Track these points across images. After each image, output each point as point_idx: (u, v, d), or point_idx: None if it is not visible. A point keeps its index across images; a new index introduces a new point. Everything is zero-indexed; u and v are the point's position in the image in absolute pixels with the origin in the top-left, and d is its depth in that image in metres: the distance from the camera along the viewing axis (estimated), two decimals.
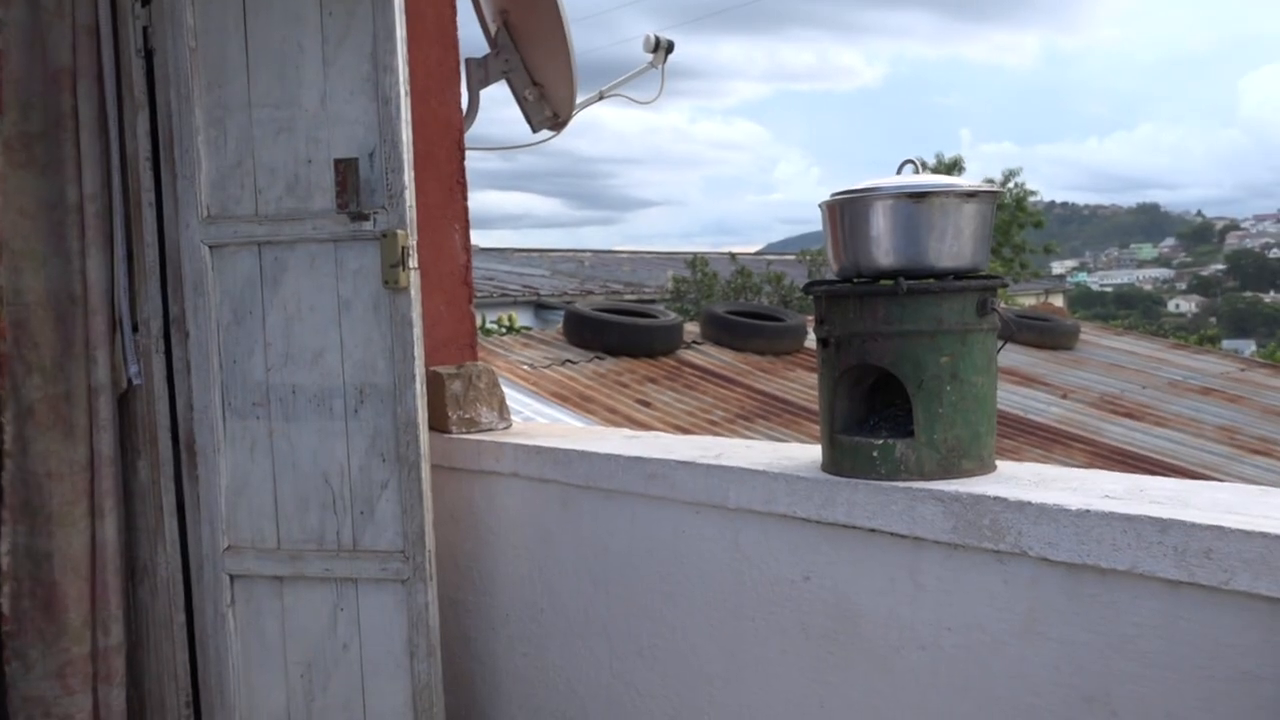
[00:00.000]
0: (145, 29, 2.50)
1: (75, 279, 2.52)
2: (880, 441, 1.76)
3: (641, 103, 3.76)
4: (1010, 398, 6.00)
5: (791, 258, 24.61)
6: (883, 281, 1.76)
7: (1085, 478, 1.71)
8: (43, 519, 2.52)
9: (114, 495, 2.54)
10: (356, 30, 2.26)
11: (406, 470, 2.28)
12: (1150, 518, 1.42)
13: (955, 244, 1.75)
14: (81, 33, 2.51)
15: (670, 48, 3.75)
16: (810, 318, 8.13)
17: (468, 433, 2.60)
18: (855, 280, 1.81)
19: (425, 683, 2.31)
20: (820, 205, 1.89)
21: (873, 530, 1.75)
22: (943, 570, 1.67)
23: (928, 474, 1.72)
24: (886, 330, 1.74)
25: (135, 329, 2.56)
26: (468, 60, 3.52)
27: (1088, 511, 1.48)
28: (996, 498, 1.59)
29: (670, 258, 23.88)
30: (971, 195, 1.75)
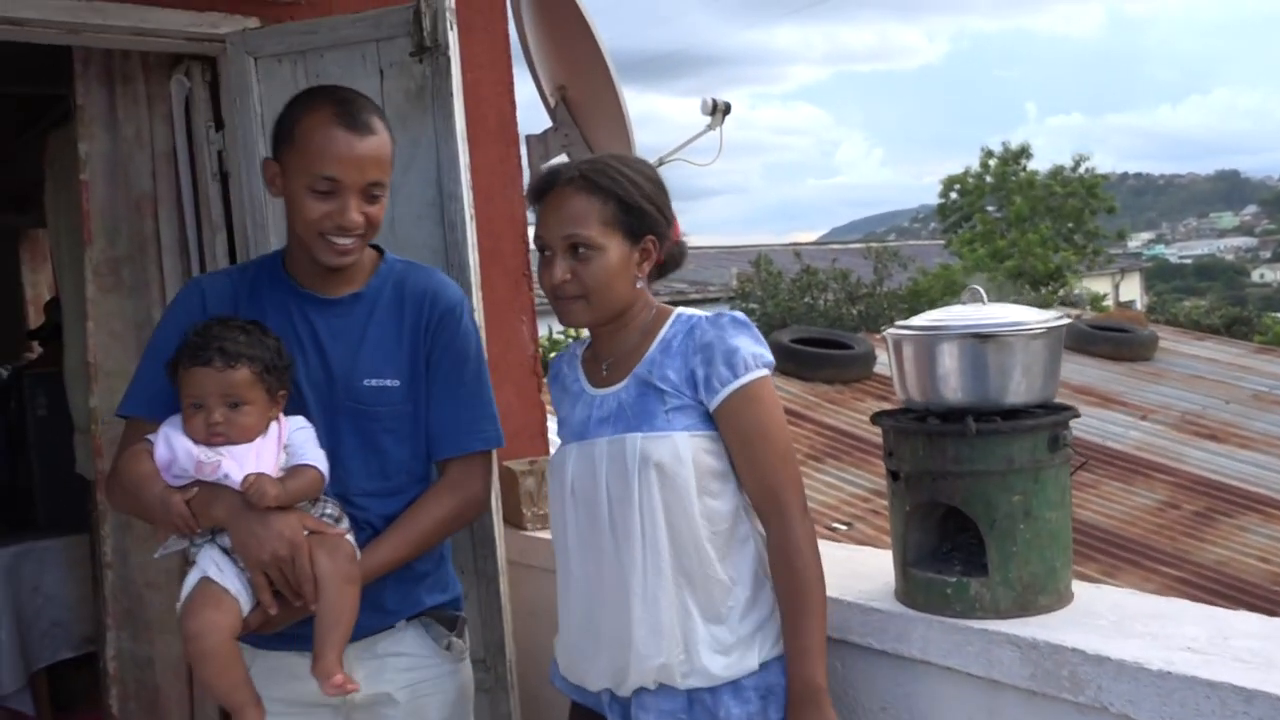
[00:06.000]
0: (220, 153, 2.59)
1: None
2: (954, 579, 1.76)
3: (701, 165, 3.77)
4: (1089, 421, 5.88)
5: (857, 246, 24.42)
6: (947, 421, 1.76)
7: (1166, 616, 1.69)
8: (143, 626, 2.64)
9: None
10: (421, 158, 2.32)
11: (485, 584, 2.33)
12: (1234, 686, 1.40)
13: (1024, 381, 1.74)
14: (160, 159, 2.61)
15: (727, 109, 3.75)
16: (879, 337, 8.06)
17: (543, 529, 2.65)
18: (925, 417, 1.81)
19: None
20: (885, 336, 1.89)
21: (949, 669, 1.75)
22: (1022, 714, 1.66)
23: (1003, 612, 1.72)
24: (956, 470, 1.73)
25: None
26: (528, 136, 3.57)
27: (1169, 673, 1.46)
28: (1075, 649, 1.58)
29: (733, 252, 23.84)
30: (1040, 334, 1.74)
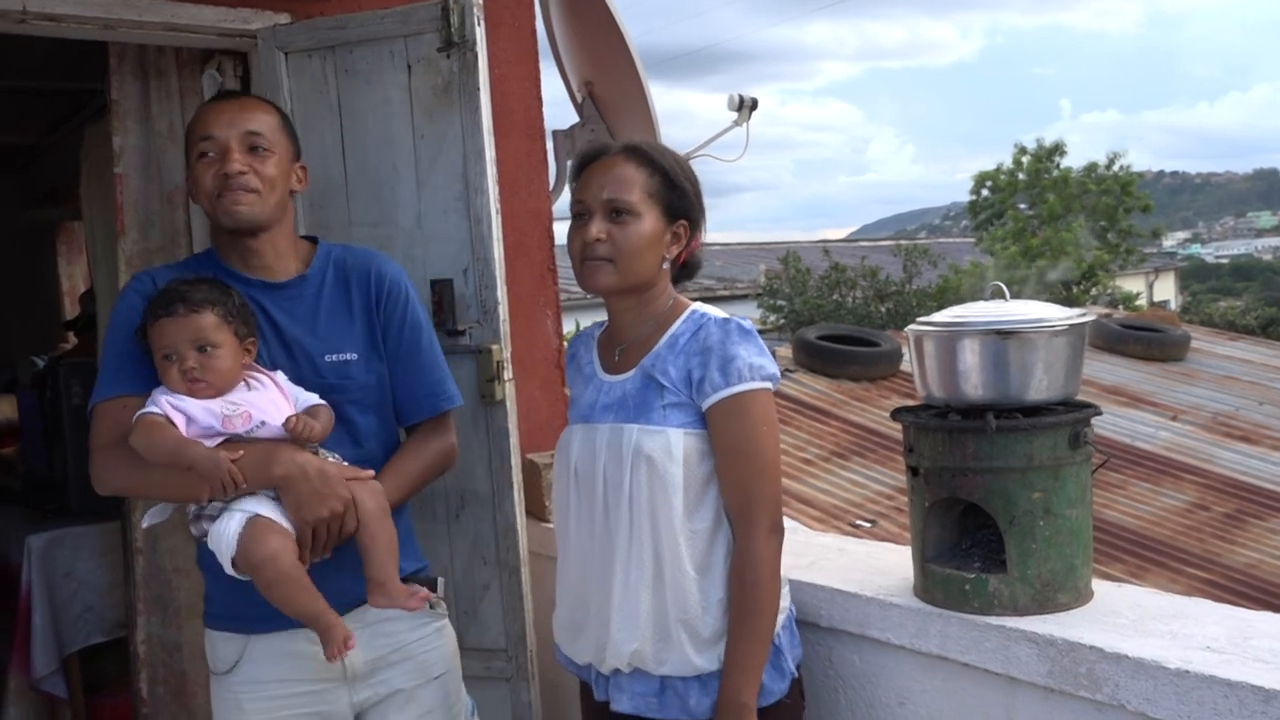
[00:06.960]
0: None
1: None
2: (973, 575, 1.76)
3: (727, 161, 3.78)
4: (1118, 421, 5.84)
5: (886, 243, 24.26)
6: (967, 418, 1.76)
7: (1186, 615, 1.68)
8: (172, 611, 2.68)
9: None
10: (448, 152, 2.34)
11: (508, 574, 2.36)
12: (1253, 686, 1.40)
13: (1045, 378, 1.74)
14: None
15: (754, 105, 3.75)
16: (904, 335, 8.04)
17: None
18: (945, 414, 1.81)
19: None
20: (907, 332, 1.89)
21: (967, 665, 1.75)
22: (1039, 711, 1.66)
23: (1021, 609, 1.72)
24: (976, 466, 1.74)
25: None
26: (555, 132, 3.59)
27: (1187, 672, 1.46)
28: (1093, 647, 1.58)
29: (762, 249, 23.77)
30: (1062, 330, 1.73)
